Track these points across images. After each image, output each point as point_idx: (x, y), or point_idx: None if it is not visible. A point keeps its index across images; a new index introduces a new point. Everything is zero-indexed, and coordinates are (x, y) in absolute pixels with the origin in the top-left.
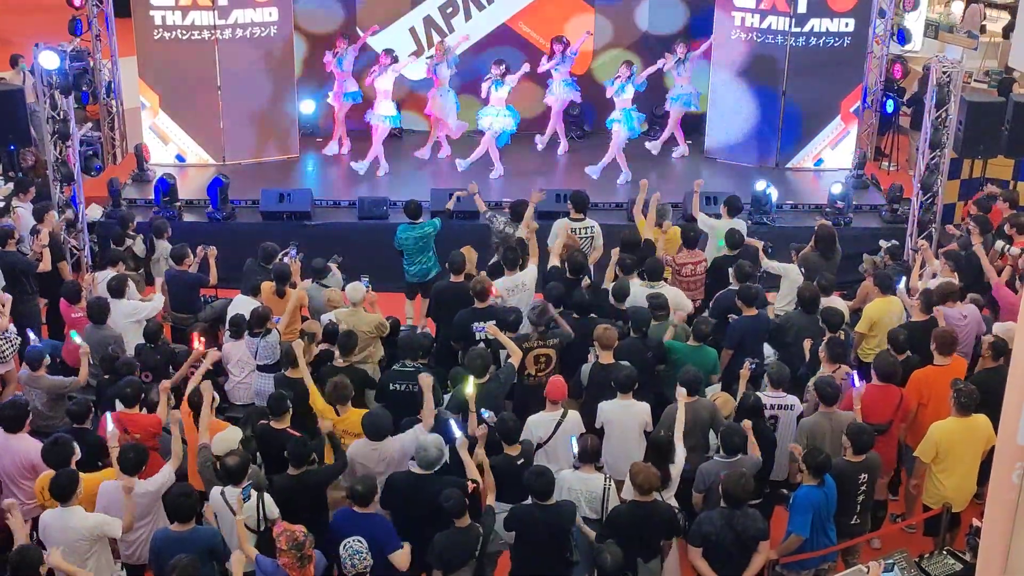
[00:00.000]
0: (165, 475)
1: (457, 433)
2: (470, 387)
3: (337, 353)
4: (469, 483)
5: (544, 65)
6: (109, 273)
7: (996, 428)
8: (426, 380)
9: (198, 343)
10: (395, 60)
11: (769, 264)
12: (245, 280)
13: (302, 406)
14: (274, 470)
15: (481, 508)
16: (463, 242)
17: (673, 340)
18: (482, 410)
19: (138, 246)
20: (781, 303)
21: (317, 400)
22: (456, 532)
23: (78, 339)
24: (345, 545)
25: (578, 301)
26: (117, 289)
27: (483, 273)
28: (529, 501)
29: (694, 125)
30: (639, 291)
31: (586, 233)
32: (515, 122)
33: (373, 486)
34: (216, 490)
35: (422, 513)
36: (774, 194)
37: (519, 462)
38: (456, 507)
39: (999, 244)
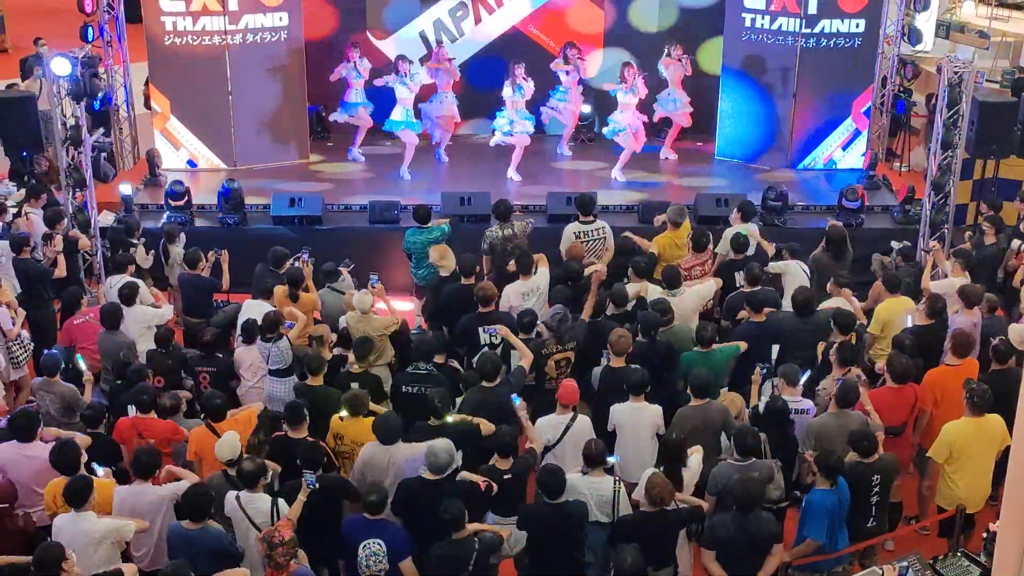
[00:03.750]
0: (179, 486)
1: (517, 402)
2: (451, 419)
3: (352, 359)
4: (480, 482)
5: (560, 66)
6: (120, 278)
7: (1009, 428)
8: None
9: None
10: (410, 68)
11: (769, 266)
12: (256, 284)
13: (319, 414)
14: (290, 479)
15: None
16: (473, 245)
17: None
18: None
19: (140, 254)
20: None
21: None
22: (451, 544)
23: (83, 365)
24: (364, 546)
25: (596, 303)
26: (128, 296)
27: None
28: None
29: (703, 127)
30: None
31: (597, 235)
32: (532, 123)
33: (385, 494)
34: (231, 495)
35: (434, 519)
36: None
37: (506, 476)
38: (455, 519)
39: (1016, 243)
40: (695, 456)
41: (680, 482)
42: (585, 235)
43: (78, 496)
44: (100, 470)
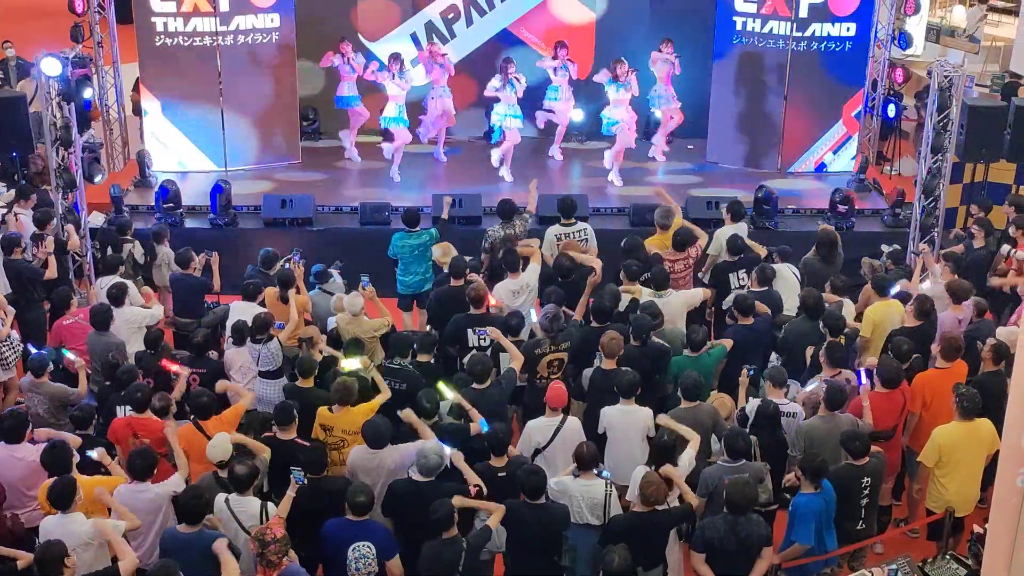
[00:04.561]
0: (175, 483)
1: (447, 449)
2: (449, 394)
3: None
4: (472, 487)
5: (547, 63)
6: (110, 279)
7: (999, 432)
8: (406, 414)
9: (174, 367)
10: (402, 66)
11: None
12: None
13: (310, 417)
14: (280, 480)
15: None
16: (462, 247)
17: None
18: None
19: (137, 250)
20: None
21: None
22: (440, 544)
23: (71, 355)
24: (354, 548)
25: (598, 307)
26: (116, 296)
27: (479, 280)
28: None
29: (693, 130)
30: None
31: (579, 236)
32: (522, 121)
33: (372, 496)
34: (220, 497)
35: (424, 520)
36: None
37: (500, 475)
38: (444, 518)
39: (1005, 248)
40: (688, 452)
41: (670, 481)
42: (567, 237)
43: (62, 497)
44: (94, 453)
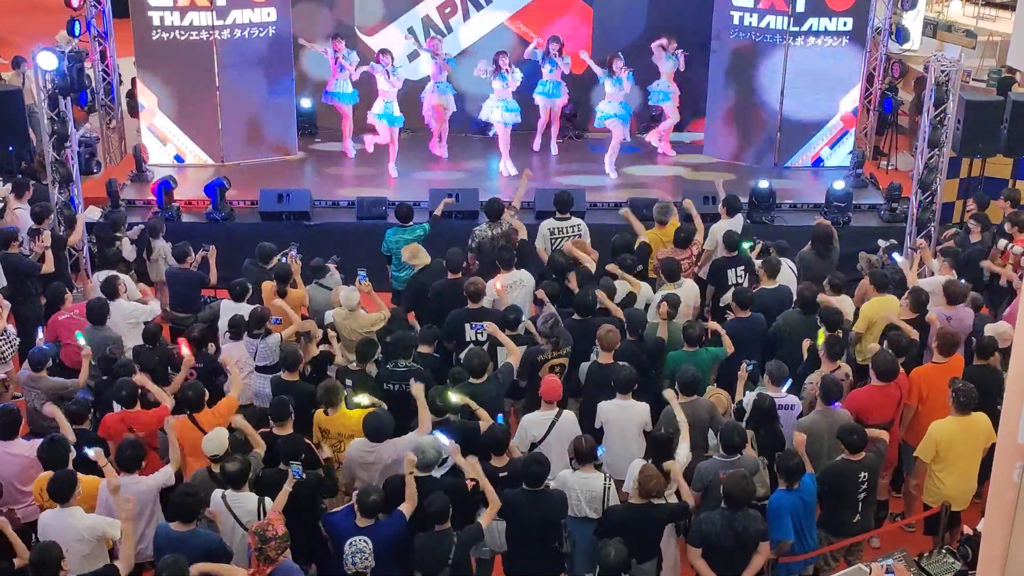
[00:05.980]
0: (166, 474)
1: (446, 442)
2: (455, 396)
3: (353, 358)
4: (468, 482)
5: (531, 52)
6: (106, 274)
7: (994, 425)
8: (417, 388)
9: (186, 349)
10: (392, 61)
11: (756, 262)
12: (232, 284)
13: (298, 411)
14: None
15: (479, 506)
16: (457, 242)
17: (671, 350)
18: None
19: (126, 249)
20: None
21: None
22: (433, 536)
23: (82, 340)
24: (351, 543)
25: (580, 301)
26: (111, 290)
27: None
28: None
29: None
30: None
31: (572, 232)
32: (517, 114)
33: (383, 498)
34: (217, 493)
35: (420, 515)
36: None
37: (502, 474)
38: (439, 511)
39: (1002, 242)
40: (683, 445)
41: (667, 476)
42: (560, 231)
43: (62, 491)
44: (91, 451)
